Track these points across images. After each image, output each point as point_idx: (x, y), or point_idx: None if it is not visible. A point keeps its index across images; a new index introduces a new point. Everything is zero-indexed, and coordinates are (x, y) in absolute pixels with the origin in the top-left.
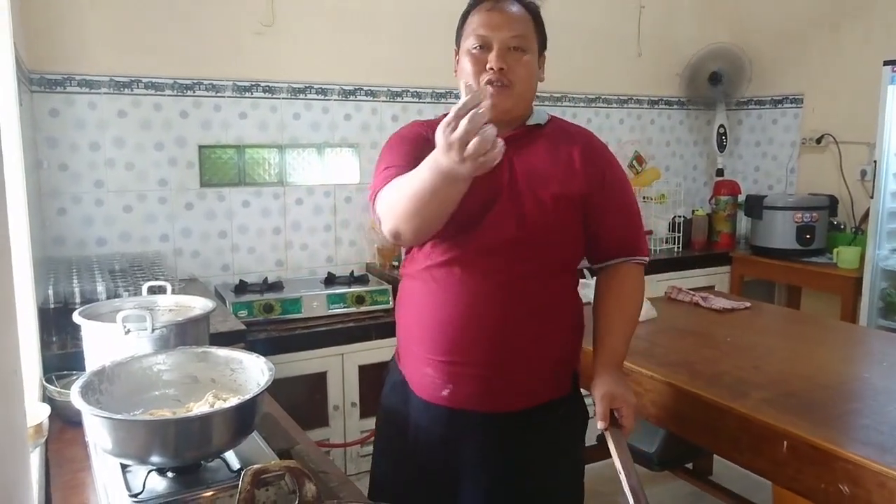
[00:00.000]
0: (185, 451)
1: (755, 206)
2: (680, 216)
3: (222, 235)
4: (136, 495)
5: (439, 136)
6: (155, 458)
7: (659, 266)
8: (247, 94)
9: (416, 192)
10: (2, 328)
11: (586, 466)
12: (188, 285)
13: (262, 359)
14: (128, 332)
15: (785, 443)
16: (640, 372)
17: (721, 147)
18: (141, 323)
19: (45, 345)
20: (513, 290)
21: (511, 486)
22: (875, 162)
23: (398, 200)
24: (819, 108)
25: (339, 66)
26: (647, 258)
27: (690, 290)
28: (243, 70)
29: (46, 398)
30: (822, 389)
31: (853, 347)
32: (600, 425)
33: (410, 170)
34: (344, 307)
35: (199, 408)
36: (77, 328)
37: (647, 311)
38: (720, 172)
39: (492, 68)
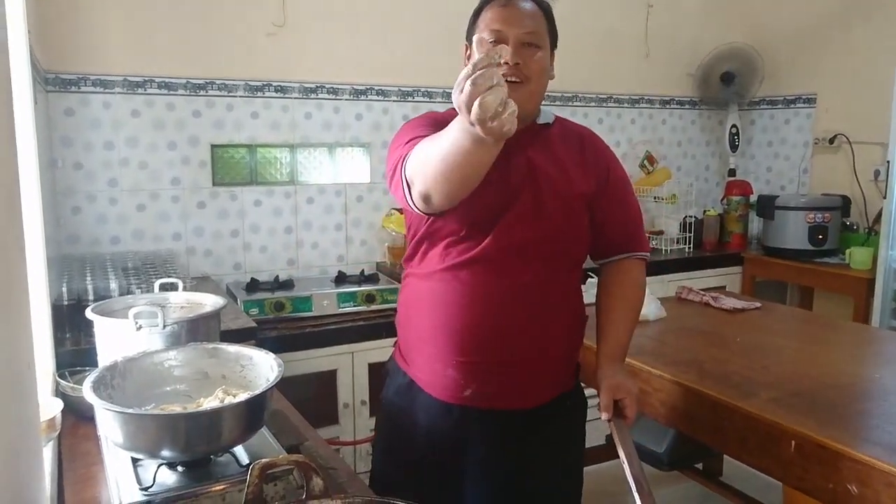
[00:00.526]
0: (195, 445)
1: (767, 206)
2: (691, 216)
3: (234, 234)
4: (146, 488)
5: (454, 96)
6: (165, 452)
7: (670, 266)
8: (259, 94)
9: (445, 153)
10: (16, 324)
11: (595, 466)
12: (200, 283)
13: (271, 355)
14: (140, 328)
15: (793, 442)
16: (649, 371)
17: (733, 147)
18: (153, 319)
19: (58, 341)
20: (534, 287)
21: (518, 479)
22: (888, 162)
23: (428, 161)
24: (832, 107)
25: (350, 66)
26: (648, 254)
27: (701, 290)
28: (255, 70)
29: (59, 393)
30: (832, 389)
31: (864, 348)
32: (604, 416)
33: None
34: (354, 306)
35: (209, 403)
36: (90, 324)
37: (657, 310)
38: (732, 173)
39: (506, 63)
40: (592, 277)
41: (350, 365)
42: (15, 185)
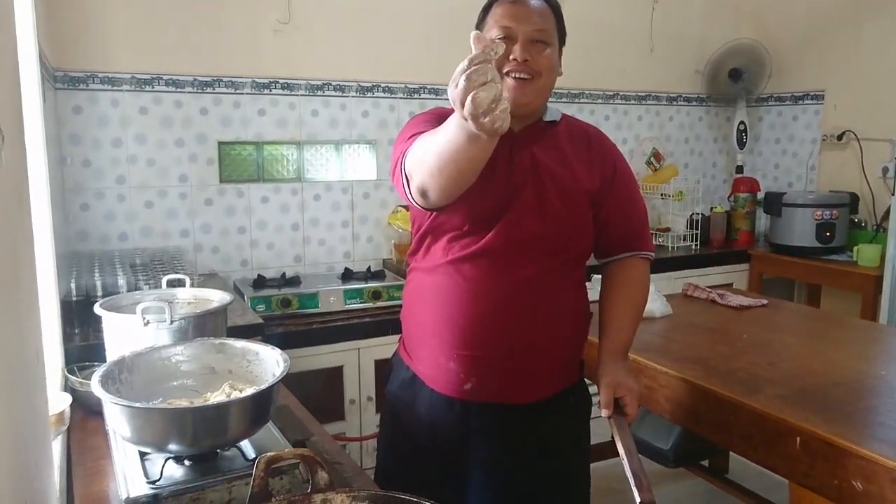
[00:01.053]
0: (202, 439)
1: (774, 203)
2: (698, 213)
3: (241, 231)
4: (154, 482)
5: (449, 91)
6: (172, 446)
7: (676, 263)
8: (265, 92)
9: (441, 148)
10: (25, 319)
11: (600, 463)
12: (207, 280)
13: (277, 350)
14: (147, 323)
15: (798, 439)
16: (654, 368)
17: (741, 144)
18: (160, 315)
19: (67, 337)
20: (537, 282)
21: (521, 474)
22: None
23: (425, 155)
24: (840, 104)
25: (356, 64)
26: (652, 253)
27: (708, 287)
28: (262, 67)
29: (68, 388)
30: (838, 386)
31: (871, 345)
32: (604, 413)
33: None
34: (361, 302)
35: (216, 398)
36: (98, 320)
37: (663, 307)
38: (740, 169)
39: (515, 59)
40: (598, 275)
41: (356, 361)
42: (24, 183)
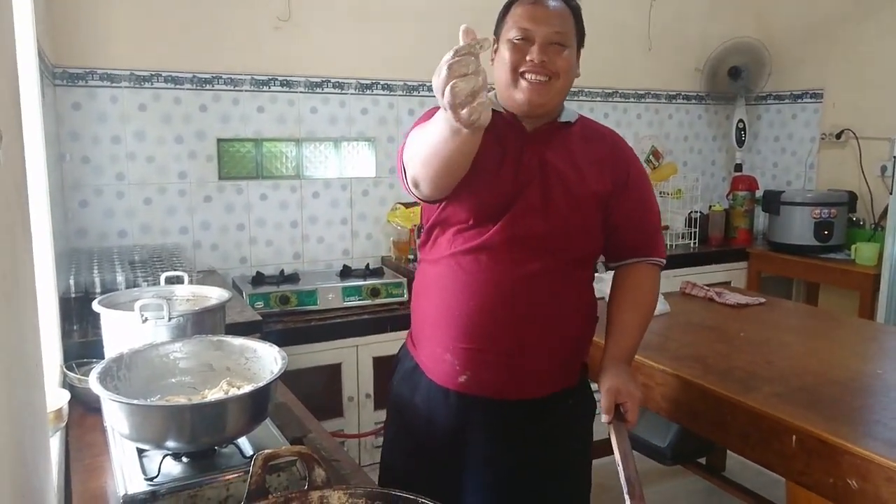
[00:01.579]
0: (200, 436)
1: (773, 201)
2: (697, 211)
3: (240, 228)
4: (151, 479)
5: (433, 80)
6: (170, 443)
7: (675, 261)
8: (265, 89)
9: (429, 140)
10: (24, 316)
11: (600, 461)
12: (206, 277)
13: (275, 348)
14: (145, 320)
15: (794, 437)
16: (652, 366)
17: (740, 142)
18: (158, 312)
19: (66, 333)
20: (537, 281)
21: (520, 473)
22: (895, 158)
23: (417, 146)
24: (839, 103)
25: (355, 61)
26: (663, 259)
27: (706, 285)
28: (261, 64)
29: (67, 385)
30: (834, 385)
31: (868, 344)
32: (604, 418)
33: None
34: (359, 300)
35: (214, 395)
36: (97, 317)
37: (661, 305)
38: (738, 168)
39: (532, 60)
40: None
41: (355, 358)
42: (23, 180)
